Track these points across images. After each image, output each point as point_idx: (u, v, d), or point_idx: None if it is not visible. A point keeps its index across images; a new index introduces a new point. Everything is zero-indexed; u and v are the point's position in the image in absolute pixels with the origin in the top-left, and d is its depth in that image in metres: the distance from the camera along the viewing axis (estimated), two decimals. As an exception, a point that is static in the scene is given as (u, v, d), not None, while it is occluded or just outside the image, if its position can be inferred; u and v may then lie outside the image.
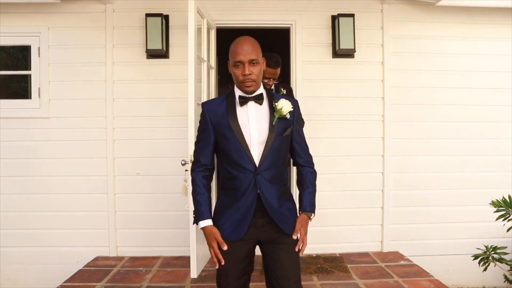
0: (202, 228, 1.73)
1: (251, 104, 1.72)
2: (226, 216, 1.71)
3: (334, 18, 3.58)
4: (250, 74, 1.66)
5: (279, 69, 3.04)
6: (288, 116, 1.72)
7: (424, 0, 3.53)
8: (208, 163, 1.78)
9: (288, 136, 1.76)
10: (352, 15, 3.48)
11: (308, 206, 1.79)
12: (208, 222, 1.72)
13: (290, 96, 3.19)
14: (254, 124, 1.70)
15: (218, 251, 1.68)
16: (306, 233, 1.75)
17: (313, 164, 1.86)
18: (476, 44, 3.69)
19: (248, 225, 1.69)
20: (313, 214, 1.80)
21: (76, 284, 2.98)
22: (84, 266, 3.34)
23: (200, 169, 1.77)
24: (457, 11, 3.63)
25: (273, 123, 1.70)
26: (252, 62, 1.66)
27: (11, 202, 3.55)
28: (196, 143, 1.82)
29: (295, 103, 1.78)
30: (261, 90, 1.75)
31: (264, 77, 2.99)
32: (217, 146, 1.77)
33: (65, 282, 3.02)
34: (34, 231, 3.55)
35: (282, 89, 3.15)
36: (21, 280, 3.56)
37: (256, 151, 1.69)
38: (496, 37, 3.68)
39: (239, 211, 1.69)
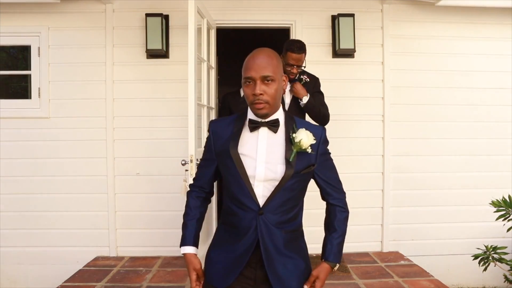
0: (182, 254, 1.50)
1: (263, 130, 1.41)
2: (221, 257, 1.45)
3: (334, 18, 3.58)
4: (261, 94, 1.34)
5: (303, 55, 2.80)
6: (309, 150, 1.38)
7: (424, 0, 3.53)
8: (204, 186, 1.57)
9: (308, 173, 1.44)
10: (352, 15, 3.48)
11: (332, 255, 1.48)
12: (188, 250, 1.48)
13: (315, 86, 2.98)
14: (262, 156, 1.39)
15: (194, 284, 1.45)
16: (322, 286, 1.45)
17: (345, 204, 1.54)
18: (476, 44, 3.69)
19: (237, 274, 1.40)
20: (337, 264, 1.50)
21: (76, 284, 2.97)
22: (84, 266, 3.34)
23: (195, 189, 1.58)
24: (457, 11, 3.63)
25: (290, 159, 1.37)
26: (265, 80, 1.34)
27: (11, 202, 3.55)
28: (200, 160, 1.60)
29: (319, 133, 1.44)
30: (277, 114, 1.43)
31: (287, 64, 2.80)
32: (221, 174, 1.51)
33: (65, 282, 3.02)
34: (34, 231, 3.55)
35: (305, 77, 2.93)
36: (21, 280, 3.56)
37: (261, 188, 1.38)
38: (496, 37, 3.68)
39: (234, 254, 1.41)
